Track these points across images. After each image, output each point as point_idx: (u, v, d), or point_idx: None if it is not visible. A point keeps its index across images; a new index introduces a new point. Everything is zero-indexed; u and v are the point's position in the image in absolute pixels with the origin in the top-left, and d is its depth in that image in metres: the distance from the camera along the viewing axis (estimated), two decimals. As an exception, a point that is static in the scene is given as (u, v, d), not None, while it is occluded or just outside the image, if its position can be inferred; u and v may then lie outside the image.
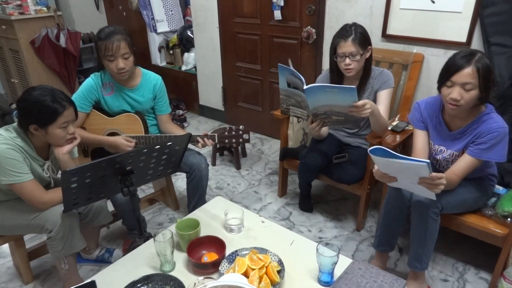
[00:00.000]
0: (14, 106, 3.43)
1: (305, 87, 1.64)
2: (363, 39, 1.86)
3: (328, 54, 1.99)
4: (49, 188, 1.66)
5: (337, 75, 2.00)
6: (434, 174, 1.35)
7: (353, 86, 1.58)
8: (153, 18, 3.91)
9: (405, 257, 1.99)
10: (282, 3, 2.83)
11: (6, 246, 1.95)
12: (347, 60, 1.87)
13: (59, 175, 1.72)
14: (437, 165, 1.78)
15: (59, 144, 1.58)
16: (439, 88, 1.55)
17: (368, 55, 1.93)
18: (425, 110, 1.71)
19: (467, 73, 1.44)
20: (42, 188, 1.58)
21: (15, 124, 1.58)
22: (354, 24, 1.89)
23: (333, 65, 1.99)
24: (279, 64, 1.75)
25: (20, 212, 1.61)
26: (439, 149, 1.70)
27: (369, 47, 1.92)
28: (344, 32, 1.87)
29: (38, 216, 1.58)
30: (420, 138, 1.73)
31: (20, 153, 1.51)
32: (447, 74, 1.50)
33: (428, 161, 1.26)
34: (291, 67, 1.79)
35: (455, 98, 1.48)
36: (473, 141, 1.55)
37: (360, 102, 1.65)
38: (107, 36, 1.80)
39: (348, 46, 1.84)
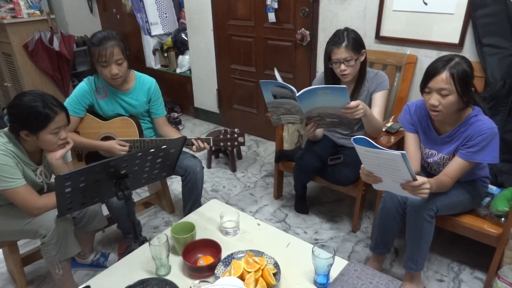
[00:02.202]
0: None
1: (297, 94, 1.64)
2: (356, 44, 1.87)
3: (322, 55, 1.99)
4: (42, 193, 1.64)
5: (332, 81, 2.01)
6: (416, 182, 1.35)
7: (344, 86, 1.58)
8: (147, 21, 3.91)
9: (401, 258, 2.00)
10: (276, 6, 2.84)
11: (0, 252, 1.93)
12: (342, 66, 1.87)
13: (52, 180, 1.71)
14: (428, 168, 1.78)
15: (51, 149, 1.57)
16: (422, 95, 1.57)
17: (362, 58, 1.93)
18: (414, 113, 1.71)
19: (441, 79, 1.45)
20: (35, 193, 1.57)
21: (6, 129, 1.56)
22: (346, 29, 1.90)
23: (328, 71, 1.99)
24: (260, 81, 1.74)
25: (14, 218, 1.59)
26: (429, 152, 1.71)
27: (363, 50, 1.92)
28: (337, 38, 1.87)
29: (31, 221, 1.56)
30: (411, 142, 1.73)
31: (12, 159, 1.50)
32: (424, 80, 1.51)
33: (404, 152, 1.24)
34: (278, 75, 1.79)
35: (433, 104, 1.49)
36: (463, 144, 1.55)
37: (353, 103, 1.66)
38: (100, 41, 1.78)
39: (341, 52, 1.85)
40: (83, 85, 1.94)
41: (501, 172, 1.94)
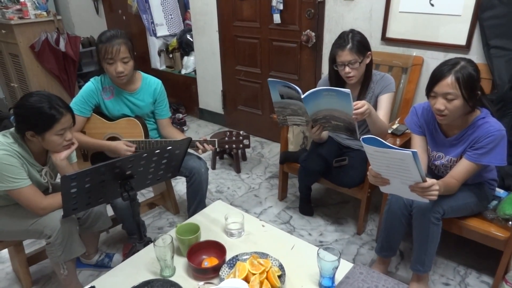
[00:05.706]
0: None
1: (302, 96, 1.64)
2: (361, 46, 1.86)
3: (328, 57, 1.99)
4: (47, 193, 1.65)
5: (336, 83, 2.00)
6: (425, 183, 1.33)
7: (348, 91, 1.57)
8: (152, 22, 3.92)
9: (407, 261, 1.98)
10: (281, 7, 2.83)
11: (5, 252, 1.94)
12: (347, 69, 1.87)
13: (57, 180, 1.71)
14: (436, 171, 1.77)
15: (56, 150, 1.57)
16: (427, 99, 1.55)
17: (368, 60, 1.92)
18: (421, 116, 1.70)
19: (447, 84, 1.43)
20: (40, 194, 1.57)
21: (12, 129, 1.56)
22: (352, 31, 1.89)
23: (332, 73, 1.98)
24: (269, 79, 1.75)
25: (19, 218, 1.60)
26: (437, 155, 1.69)
27: (369, 53, 1.91)
28: (341, 41, 1.86)
29: (37, 221, 1.57)
30: (418, 144, 1.71)
31: (18, 159, 1.50)
32: (430, 85, 1.50)
33: (415, 150, 1.22)
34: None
35: (438, 109, 1.48)
36: (471, 146, 1.54)
37: (359, 103, 1.66)
38: (108, 39, 1.80)
39: (346, 55, 1.84)
40: (89, 85, 1.95)
41: (508, 175, 1.92)
